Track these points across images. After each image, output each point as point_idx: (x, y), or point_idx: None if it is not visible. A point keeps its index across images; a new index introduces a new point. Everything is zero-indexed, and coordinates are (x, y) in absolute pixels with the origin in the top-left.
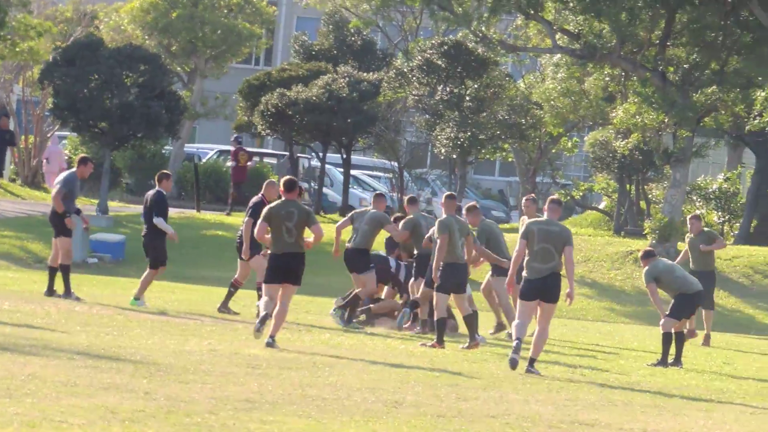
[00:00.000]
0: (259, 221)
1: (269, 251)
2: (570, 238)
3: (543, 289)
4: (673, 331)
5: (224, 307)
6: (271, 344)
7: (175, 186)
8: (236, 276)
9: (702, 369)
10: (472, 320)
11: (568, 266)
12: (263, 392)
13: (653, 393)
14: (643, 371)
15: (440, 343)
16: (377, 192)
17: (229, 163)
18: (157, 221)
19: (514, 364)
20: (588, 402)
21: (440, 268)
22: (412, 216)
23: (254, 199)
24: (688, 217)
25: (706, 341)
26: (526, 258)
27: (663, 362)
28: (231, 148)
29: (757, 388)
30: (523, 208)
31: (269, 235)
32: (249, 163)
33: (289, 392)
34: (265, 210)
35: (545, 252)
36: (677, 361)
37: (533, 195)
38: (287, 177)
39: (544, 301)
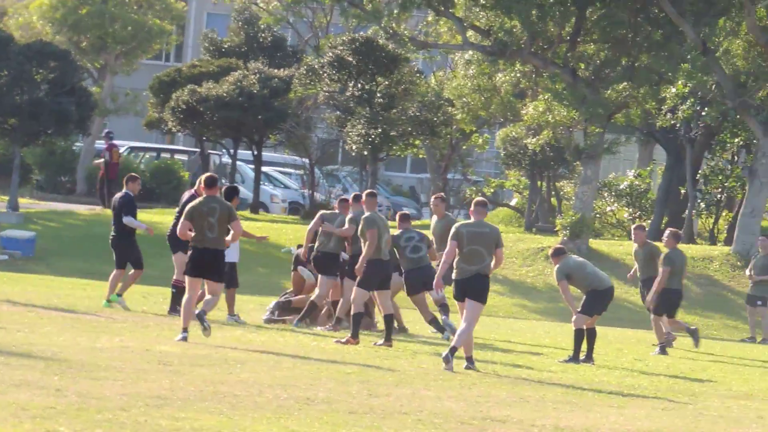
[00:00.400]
0: (181, 219)
1: (191, 245)
2: (500, 239)
3: (468, 288)
4: (585, 327)
5: (173, 310)
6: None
7: (85, 182)
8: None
9: (614, 365)
10: (390, 321)
11: (496, 266)
12: (175, 389)
13: (565, 389)
14: (555, 368)
15: (355, 338)
16: (344, 197)
17: (100, 160)
18: (127, 220)
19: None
20: (500, 398)
21: (365, 264)
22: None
23: (186, 194)
24: (632, 227)
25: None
26: (456, 259)
27: (575, 359)
28: (139, 144)
29: (669, 384)
30: (431, 207)
31: (192, 232)
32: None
33: (201, 389)
34: (187, 207)
35: (474, 253)
36: (589, 358)
37: (442, 194)
38: (208, 174)
39: (470, 299)
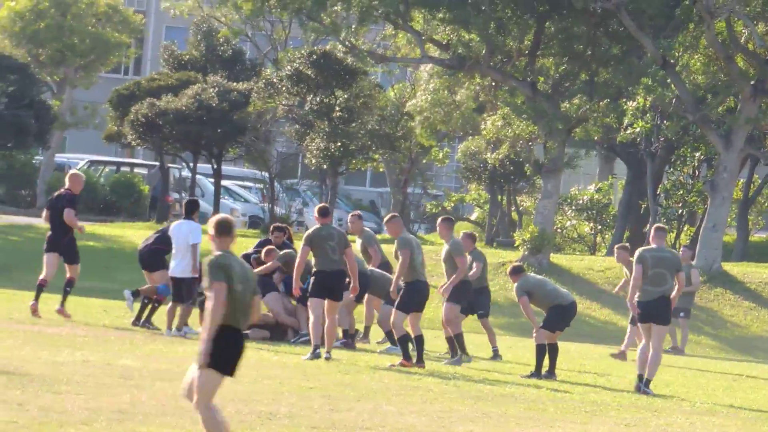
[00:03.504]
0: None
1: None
2: (680, 264)
3: (653, 311)
4: (546, 342)
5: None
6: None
7: (45, 196)
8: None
9: (576, 381)
10: (420, 342)
11: (679, 290)
12: (136, 403)
13: (527, 404)
14: (518, 383)
15: (408, 360)
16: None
17: None
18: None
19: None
20: (462, 414)
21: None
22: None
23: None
24: (616, 247)
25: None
26: (641, 282)
27: (537, 374)
28: (99, 158)
29: (632, 400)
30: (349, 224)
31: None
32: None
33: (163, 403)
34: (307, 234)
35: (658, 276)
36: (551, 373)
37: (359, 212)
38: (322, 204)
39: (655, 323)
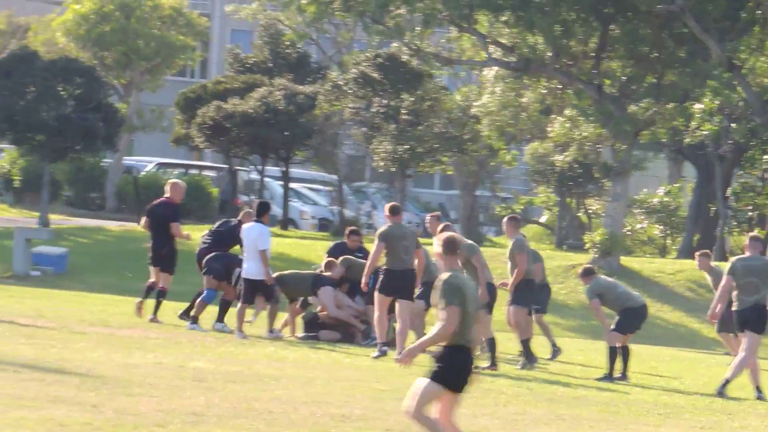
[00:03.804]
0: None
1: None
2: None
3: (747, 319)
4: (618, 345)
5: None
6: None
7: (114, 198)
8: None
9: (649, 384)
10: (492, 344)
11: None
12: (210, 405)
13: (600, 407)
14: (591, 385)
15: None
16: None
17: None
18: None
19: None
20: (535, 416)
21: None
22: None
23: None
24: (697, 254)
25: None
26: (735, 292)
27: (609, 377)
28: (167, 160)
29: (705, 402)
30: (427, 224)
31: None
32: None
33: (236, 406)
34: (380, 231)
35: (750, 285)
36: (624, 376)
37: (438, 213)
38: (393, 203)
39: (749, 330)
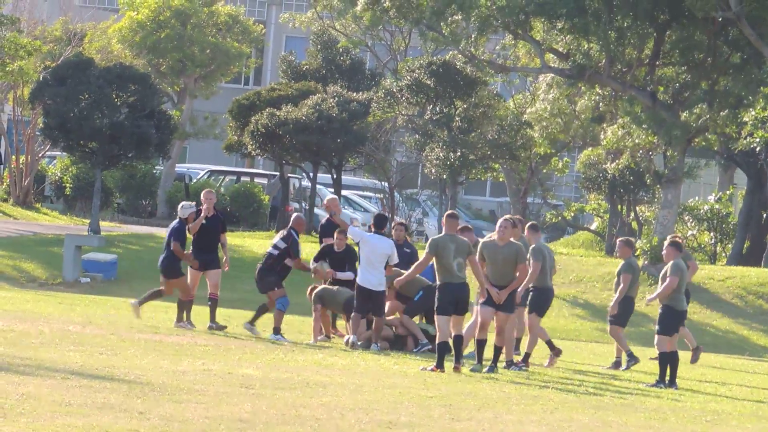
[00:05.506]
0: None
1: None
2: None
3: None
4: (668, 350)
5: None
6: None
7: (166, 206)
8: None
9: (697, 390)
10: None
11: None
12: (257, 412)
13: (648, 414)
14: (638, 392)
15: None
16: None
17: None
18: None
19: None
20: (583, 423)
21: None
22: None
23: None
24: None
25: None
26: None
27: (661, 382)
28: (219, 167)
29: (753, 409)
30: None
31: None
32: None
33: (283, 412)
34: (431, 241)
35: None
36: (672, 383)
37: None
38: (450, 211)
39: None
